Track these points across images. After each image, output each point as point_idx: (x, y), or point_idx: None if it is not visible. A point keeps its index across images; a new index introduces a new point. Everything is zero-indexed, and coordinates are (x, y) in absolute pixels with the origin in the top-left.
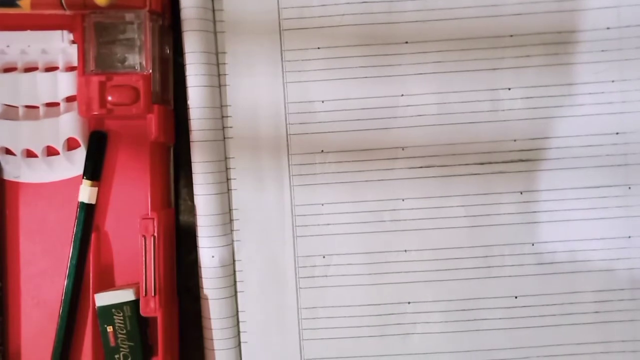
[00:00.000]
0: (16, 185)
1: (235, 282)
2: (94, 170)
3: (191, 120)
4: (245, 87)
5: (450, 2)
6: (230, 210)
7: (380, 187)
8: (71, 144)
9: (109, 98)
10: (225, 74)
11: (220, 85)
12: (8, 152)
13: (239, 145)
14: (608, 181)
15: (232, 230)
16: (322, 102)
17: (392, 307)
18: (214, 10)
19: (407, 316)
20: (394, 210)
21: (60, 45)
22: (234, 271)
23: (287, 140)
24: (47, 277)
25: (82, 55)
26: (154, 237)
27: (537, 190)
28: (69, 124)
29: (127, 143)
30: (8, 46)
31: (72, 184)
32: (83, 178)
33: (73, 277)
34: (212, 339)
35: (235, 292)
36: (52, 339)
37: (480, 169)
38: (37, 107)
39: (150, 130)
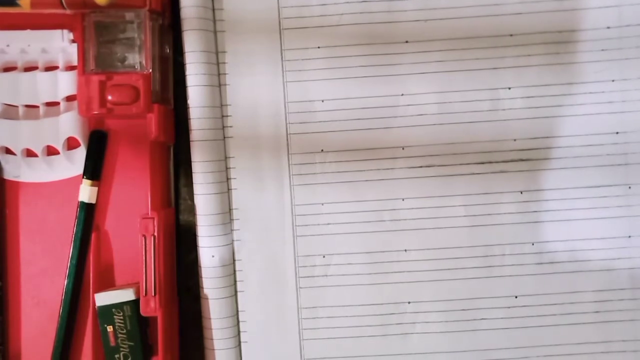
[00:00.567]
0: (16, 184)
1: (235, 281)
2: (94, 169)
3: (191, 120)
4: (245, 86)
5: (451, 2)
6: (230, 209)
7: (381, 187)
8: (71, 144)
9: (109, 97)
10: (225, 74)
11: (220, 85)
12: (8, 151)
13: (239, 144)
14: (608, 180)
15: (232, 230)
16: (322, 101)
17: (392, 306)
18: (214, 10)
19: (407, 316)
20: (394, 210)
21: (60, 45)
22: (234, 271)
23: (287, 140)
24: (47, 276)
25: (82, 54)
26: (154, 236)
27: (537, 190)
28: (69, 124)
29: (127, 142)
30: (8, 45)
31: (72, 184)
32: (83, 177)
33: (73, 277)
34: (212, 339)
35: (236, 291)
36: (52, 339)
37: (481, 168)
38: (37, 107)
39: (150, 130)
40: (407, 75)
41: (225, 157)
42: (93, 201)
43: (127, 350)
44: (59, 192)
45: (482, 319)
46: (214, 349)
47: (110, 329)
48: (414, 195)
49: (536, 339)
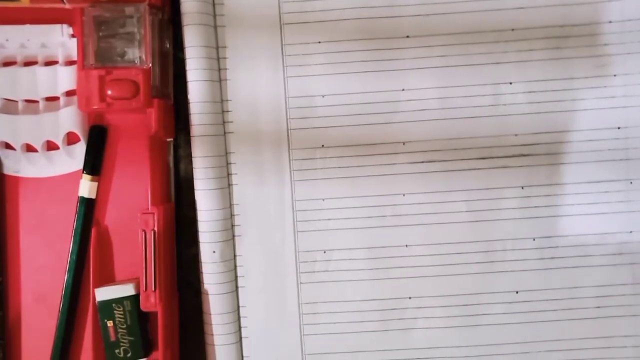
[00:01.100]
0: (16, 179)
1: (236, 277)
2: (93, 164)
3: (191, 115)
4: (246, 81)
5: None
6: (231, 205)
7: (382, 182)
8: (71, 139)
9: (109, 92)
10: (225, 69)
11: (220, 80)
12: (8, 146)
13: (239, 140)
14: (610, 176)
15: (232, 225)
16: (323, 96)
17: (393, 302)
18: (214, 4)
19: (408, 311)
20: (395, 205)
21: (59, 39)
22: (235, 266)
23: (288, 135)
24: (48, 271)
25: (82, 49)
26: (154, 231)
27: (538, 185)
28: (68, 118)
29: (127, 137)
30: (7, 40)
31: (72, 179)
32: (83, 172)
33: (73, 272)
34: (212, 334)
35: (236, 287)
36: (52, 334)
37: (482, 163)
38: (37, 102)
39: (150, 125)
40: (408, 70)
41: (226, 153)
42: (93, 196)
43: (127, 345)
44: (59, 187)
45: (484, 314)
46: (214, 344)
47: (110, 323)
48: (415, 191)
49: (537, 334)
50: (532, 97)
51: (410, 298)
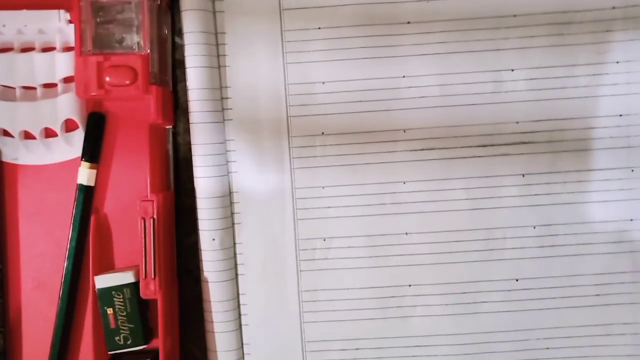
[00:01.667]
0: (14, 167)
1: (235, 264)
2: (92, 152)
3: (190, 102)
4: (245, 68)
5: None
6: (230, 192)
7: (381, 170)
8: (69, 126)
9: (107, 79)
10: (224, 55)
11: (219, 66)
12: (6, 133)
13: (239, 127)
14: (611, 163)
15: (232, 213)
16: (323, 83)
17: (392, 289)
18: None
19: (407, 299)
20: (395, 193)
21: (57, 25)
22: (235, 254)
23: (288, 122)
24: (47, 259)
25: (79, 35)
26: (154, 219)
27: (539, 173)
28: (66, 105)
29: (126, 125)
30: (4, 26)
31: (70, 166)
32: (82, 160)
33: (73, 259)
34: (212, 322)
35: (236, 274)
36: (52, 321)
37: (482, 151)
38: (35, 88)
39: (149, 112)
40: (409, 57)
41: (225, 140)
42: (92, 184)
43: (127, 332)
44: (58, 175)
45: (483, 302)
46: (214, 332)
47: (110, 311)
48: (415, 179)
49: (536, 321)
50: (533, 84)
51: (409, 286)
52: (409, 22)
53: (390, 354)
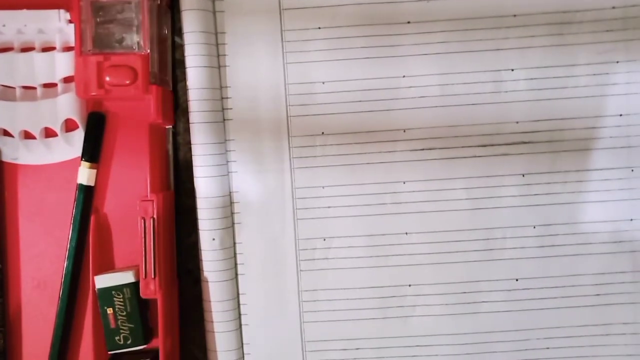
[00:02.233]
0: (14, 167)
1: (235, 264)
2: (92, 152)
3: (190, 102)
4: (245, 67)
5: None
6: (230, 192)
7: (382, 170)
8: (69, 125)
9: (107, 78)
10: (224, 55)
11: (219, 66)
12: (6, 133)
13: (239, 127)
14: (611, 163)
15: (232, 213)
16: (323, 83)
17: (392, 289)
18: None
19: (407, 299)
20: (395, 192)
21: (57, 25)
22: (235, 254)
23: (288, 122)
24: (47, 258)
25: (79, 35)
26: (154, 219)
27: (539, 173)
28: (66, 105)
29: (126, 124)
30: (4, 25)
31: (70, 166)
32: (82, 160)
33: (73, 259)
34: (212, 322)
35: (236, 274)
36: (52, 320)
37: (482, 151)
38: (35, 88)
39: (149, 112)
40: (409, 57)
41: (225, 140)
42: (92, 184)
43: (127, 332)
44: (58, 175)
45: (483, 301)
46: (214, 332)
47: (110, 311)
48: (415, 178)
49: (536, 321)
50: (533, 84)
51: (409, 286)
52: (409, 22)
53: (390, 354)
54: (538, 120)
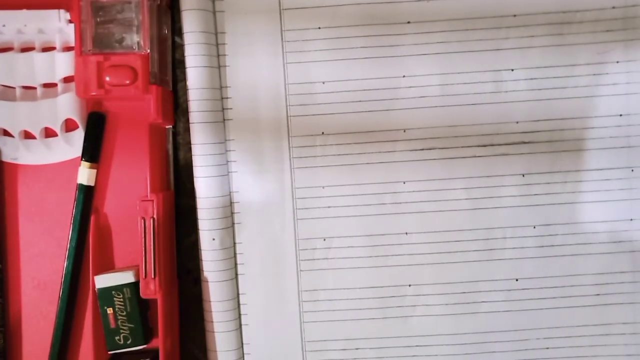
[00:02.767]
0: (14, 167)
1: (235, 264)
2: (92, 152)
3: (191, 102)
4: (245, 67)
5: None
6: (230, 192)
7: (382, 170)
8: (69, 125)
9: (107, 78)
10: (224, 55)
11: (219, 66)
12: (6, 133)
13: (239, 127)
14: (611, 163)
15: (232, 213)
16: (323, 83)
17: (392, 289)
18: None
19: (407, 299)
20: (395, 192)
21: (57, 25)
22: (235, 254)
23: (288, 122)
24: (47, 258)
25: (80, 35)
26: (154, 219)
27: (539, 173)
28: (66, 105)
29: (126, 124)
30: (4, 25)
31: (70, 166)
32: (82, 160)
33: (72, 259)
34: (212, 322)
35: (236, 274)
36: (52, 320)
37: (482, 151)
38: (35, 88)
39: (149, 112)
40: (409, 57)
41: (225, 140)
42: (92, 183)
43: (127, 332)
44: (58, 175)
45: (483, 301)
46: (214, 332)
47: (110, 311)
48: (415, 178)
49: (536, 321)
50: (533, 84)
51: (409, 286)
52: (409, 22)
53: (390, 354)
54: (538, 120)
